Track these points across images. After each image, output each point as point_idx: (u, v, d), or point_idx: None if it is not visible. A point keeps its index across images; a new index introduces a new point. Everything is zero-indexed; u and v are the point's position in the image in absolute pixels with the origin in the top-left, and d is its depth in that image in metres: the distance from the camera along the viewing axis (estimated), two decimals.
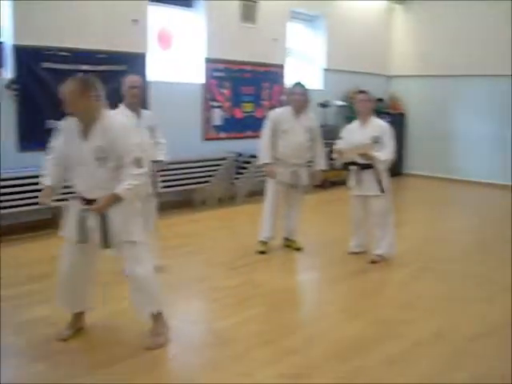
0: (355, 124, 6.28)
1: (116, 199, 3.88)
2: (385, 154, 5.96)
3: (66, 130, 4.00)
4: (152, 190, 5.52)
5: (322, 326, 4.50)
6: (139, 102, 5.48)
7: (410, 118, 12.66)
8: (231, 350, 4.03)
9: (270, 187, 6.49)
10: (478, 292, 5.39)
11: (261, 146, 6.43)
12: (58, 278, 4.20)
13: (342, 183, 10.14)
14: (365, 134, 6.03)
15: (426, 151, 12.36)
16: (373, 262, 6.14)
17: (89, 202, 3.91)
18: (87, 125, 3.88)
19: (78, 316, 4.27)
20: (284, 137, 6.32)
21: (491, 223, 8.53)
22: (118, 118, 4.26)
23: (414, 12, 12.65)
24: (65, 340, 4.10)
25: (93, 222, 3.91)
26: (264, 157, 6.38)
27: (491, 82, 11.43)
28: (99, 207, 3.87)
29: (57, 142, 4.06)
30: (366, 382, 3.64)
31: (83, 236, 3.95)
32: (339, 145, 6.15)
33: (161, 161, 5.54)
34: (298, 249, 6.59)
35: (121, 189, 3.85)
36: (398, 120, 11.56)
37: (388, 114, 11.83)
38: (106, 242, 3.93)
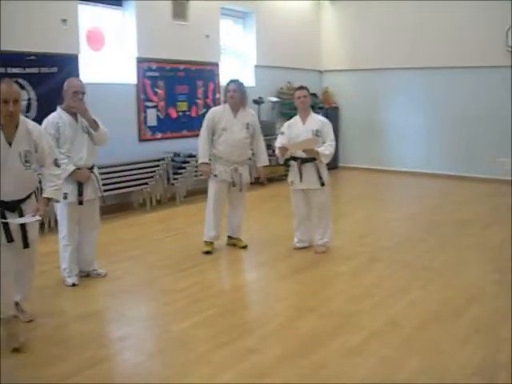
0: (295, 119, 6.34)
1: (48, 201, 4.30)
2: (328, 148, 6.08)
3: None
4: (95, 194, 5.41)
5: (277, 324, 4.49)
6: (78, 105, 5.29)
7: (344, 111, 12.85)
8: (191, 353, 3.97)
9: (212, 186, 6.43)
10: (422, 279, 5.51)
11: (199, 145, 6.37)
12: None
13: (277, 179, 10.31)
14: (306, 129, 6.15)
15: (360, 144, 12.59)
16: (317, 252, 6.23)
17: (9, 204, 4.09)
18: (12, 129, 4.04)
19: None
20: (223, 135, 6.27)
21: (426, 211, 8.75)
22: (31, 121, 4.35)
23: (342, 8, 12.83)
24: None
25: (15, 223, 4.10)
26: (202, 156, 6.33)
27: (420, 74, 11.74)
28: (42, 213, 4.21)
29: None
30: (328, 376, 3.65)
31: (10, 237, 4.08)
32: (282, 141, 6.19)
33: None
34: (244, 247, 6.57)
35: (49, 191, 4.27)
36: (331, 114, 11.68)
37: (322, 108, 11.99)
38: (26, 242, 4.17)
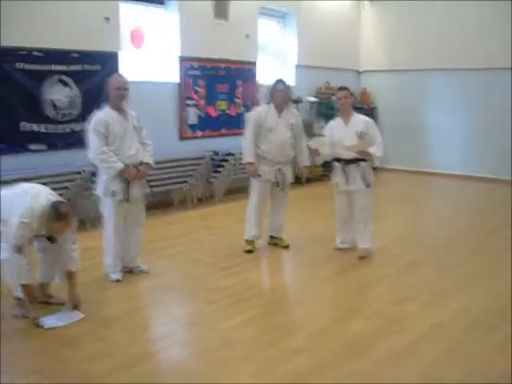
0: (337, 121, 6.25)
1: None
2: (379, 150, 5.97)
3: None
4: (141, 191, 5.44)
5: (322, 324, 4.46)
6: (124, 103, 5.33)
7: (381, 112, 12.73)
8: (237, 351, 3.97)
9: (255, 186, 6.40)
10: (465, 283, 5.44)
11: (244, 145, 6.33)
12: None
13: (316, 179, 10.26)
14: (349, 131, 6.02)
15: (399, 145, 12.44)
16: (360, 256, 6.14)
17: None
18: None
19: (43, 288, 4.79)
20: (268, 135, 6.24)
21: (464, 214, 8.63)
22: None
23: (382, 8, 12.74)
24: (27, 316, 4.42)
25: None
26: (247, 156, 6.29)
27: (460, 75, 11.59)
28: None
29: None
30: (376, 378, 3.62)
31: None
32: (320, 143, 6.12)
33: (148, 163, 5.42)
34: (286, 246, 6.55)
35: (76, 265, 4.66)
36: (369, 114, 11.43)
37: (359, 108, 11.85)
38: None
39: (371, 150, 5.92)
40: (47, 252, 4.66)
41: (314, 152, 6.16)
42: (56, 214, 4.27)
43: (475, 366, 3.77)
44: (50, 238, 4.42)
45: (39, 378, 3.60)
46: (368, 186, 6.09)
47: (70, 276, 4.63)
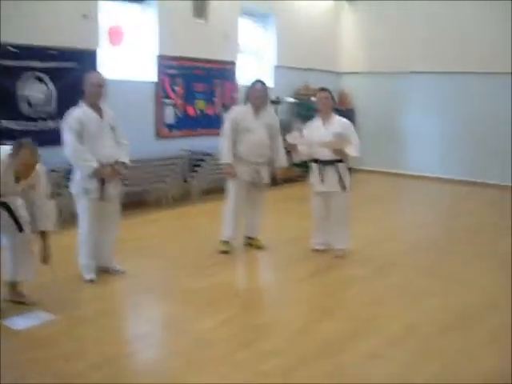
0: (316, 121, 6.28)
1: None
2: (355, 150, 6.00)
3: None
4: (116, 190, 5.39)
5: (296, 326, 4.46)
6: (101, 101, 5.27)
7: (360, 114, 12.78)
8: (212, 352, 3.96)
9: (232, 186, 6.39)
10: (439, 285, 5.48)
11: (221, 146, 6.31)
12: None
13: (293, 180, 10.24)
14: (327, 131, 6.07)
15: (376, 147, 12.48)
16: (337, 256, 6.17)
17: None
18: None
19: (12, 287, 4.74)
20: (245, 135, 6.22)
21: (441, 216, 8.71)
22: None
23: (361, 10, 12.81)
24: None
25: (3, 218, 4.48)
26: (225, 156, 6.27)
27: (438, 78, 11.69)
28: None
29: None
30: (349, 379, 3.63)
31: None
32: (299, 139, 6.13)
33: (123, 162, 5.37)
34: (261, 247, 6.54)
35: (51, 225, 4.74)
36: (347, 116, 11.25)
37: (338, 110, 11.86)
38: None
39: (347, 149, 5.95)
40: (14, 246, 4.63)
41: (291, 148, 6.16)
42: (16, 146, 4.32)
43: (449, 366, 3.80)
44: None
45: (12, 378, 3.54)
46: (344, 187, 6.12)
47: (43, 236, 4.68)
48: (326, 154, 6.03)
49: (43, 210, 4.65)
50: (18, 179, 4.41)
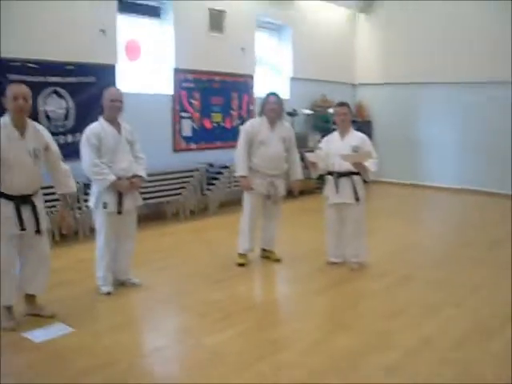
0: (334, 135, 6.29)
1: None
2: (374, 165, 6.00)
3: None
4: (133, 204, 5.44)
5: (313, 339, 4.46)
6: (119, 116, 5.34)
7: (377, 125, 12.79)
8: (228, 365, 3.96)
9: (248, 199, 6.42)
10: (456, 296, 5.45)
11: (236, 158, 6.35)
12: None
13: (309, 192, 10.25)
14: (345, 145, 6.07)
15: (393, 158, 12.49)
16: (352, 269, 6.17)
17: (22, 198, 4.46)
18: (22, 126, 4.44)
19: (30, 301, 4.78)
20: (260, 148, 6.26)
21: (460, 228, 8.65)
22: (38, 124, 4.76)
23: (377, 21, 12.85)
24: (15, 329, 4.46)
25: (27, 213, 4.48)
26: (240, 169, 6.30)
27: (455, 89, 11.67)
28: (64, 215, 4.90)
29: None
30: None
31: (22, 225, 4.46)
32: (315, 155, 6.17)
33: (140, 176, 5.43)
34: (277, 260, 6.55)
35: (71, 186, 4.83)
36: (364, 128, 11.56)
37: (354, 121, 11.90)
38: (38, 228, 4.57)
39: (367, 163, 5.96)
40: (29, 253, 4.64)
41: (311, 165, 6.18)
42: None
43: (465, 378, 3.78)
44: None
45: None
46: (358, 199, 6.11)
47: (65, 200, 4.86)
48: (342, 166, 6.04)
49: (63, 172, 4.78)
50: (21, 132, 4.42)
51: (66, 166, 4.82)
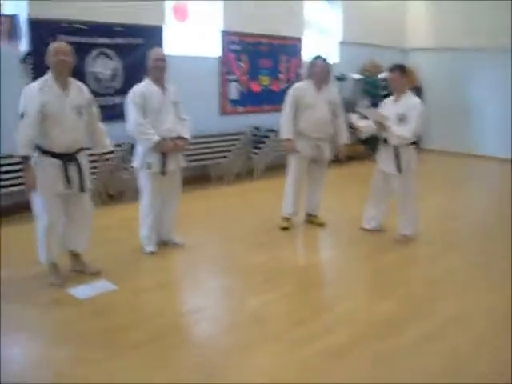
0: (390, 99, 6.06)
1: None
2: (403, 130, 5.70)
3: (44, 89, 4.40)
4: (177, 165, 5.45)
5: (353, 305, 4.43)
6: (164, 76, 5.32)
7: (428, 91, 12.43)
8: (265, 329, 3.97)
9: (293, 162, 6.37)
10: (499, 269, 5.30)
11: (282, 121, 6.28)
12: (44, 232, 4.52)
13: (356, 158, 10.10)
14: (392, 112, 5.83)
15: (445, 126, 12.17)
16: (398, 241, 6.01)
17: (68, 155, 4.50)
18: (64, 82, 4.47)
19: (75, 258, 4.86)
20: (306, 111, 6.18)
21: (509, 199, 8.40)
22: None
23: None
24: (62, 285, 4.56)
25: (73, 171, 4.53)
26: (286, 132, 6.23)
27: (507, 55, 11.18)
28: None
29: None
30: (404, 360, 3.58)
31: (68, 185, 4.52)
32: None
33: (185, 138, 5.42)
34: (321, 224, 6.51)
35: (107, 145, 4.89)
36: (414, 94, 11.33)
37: None
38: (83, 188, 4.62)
39: (393, 127, 5.71)
40: (73, 211, 4.71)
41: (355, 127, 6.02)
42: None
43: (499, 358, 3.67)
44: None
45: (73, 348, 3.65)
46: (399, 170, 5.86)
47: (102, 158, 4.97)
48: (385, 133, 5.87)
49: (101, 131, 4.85)
50: (63, 88, 4.45)
51: (103, 126, 4.87)
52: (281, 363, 3.52)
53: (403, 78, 5.94)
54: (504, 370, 3.48)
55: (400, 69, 5.94)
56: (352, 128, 6.32)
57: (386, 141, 5.91)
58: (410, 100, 5.92)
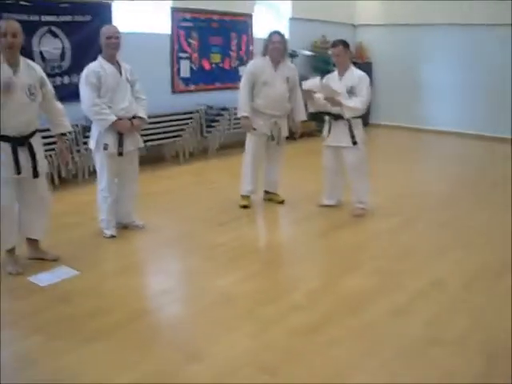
0: (334, 74, 6.11)
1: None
2: (354, 102, 5.78)
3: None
4: (134, 145, 5.32)
5: (322, 281, 4.44)
6: (118, 54, 5.15)
7: (377, 67, 12.52)
8: (237, 308, 3.94)
9: (251, 140, 6.30)
10: (463, 238, 5.42)
11: (239, 99, 6.20)
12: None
13: (309, 134, 10.11)
14: (341, 85, 5.88)
15: (394, 101, 12.30)
16: (355, 215, 6.06)
17: (19, 139, 4.31)
18: (14, 63, 4.24)
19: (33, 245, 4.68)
20: (264, 88, 6.10)
21: (462, 171, 8.57)
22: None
23: None
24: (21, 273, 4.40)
25: (23, 156, 4.34)
26: (242, 109, 6.15)
27: (460, 30, 11.33)
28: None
29: None
30: (376, 335, 3.59)
31: (19, 169, 4.31)
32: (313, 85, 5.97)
33: (141, 117, 5.28)
34: (281, 202, 6.49)
35: (66, 126, 4.73)
36: (364, 69, 11.19)
37: (354, 63, 11.63)
38: (35, 172, 4.42)
39: (343, 100, 5.77)
40: (27, 197, 4.52)
41: (307, 95, 6.01)
42: None
43: (477, 321, 3.76)
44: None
45: (44, 337, 3.52)
46: (355, 143, 5.96)
47: (61, 138, 4.81)
48: (337, 108, 5.88)
49: (58, 111, 4.65)
50: (14, 69, 4.21)
51: (60, 105, 4.66)
52: (260, 342, 3.47)
53: (346, 52, 6.01)
54: (478, 334, 3.55)
55: (343, 44, 5.98)
56: (304, 102, 6.27)
57: (335, 117, 5.92)
58: (356, 73, 6.02)
